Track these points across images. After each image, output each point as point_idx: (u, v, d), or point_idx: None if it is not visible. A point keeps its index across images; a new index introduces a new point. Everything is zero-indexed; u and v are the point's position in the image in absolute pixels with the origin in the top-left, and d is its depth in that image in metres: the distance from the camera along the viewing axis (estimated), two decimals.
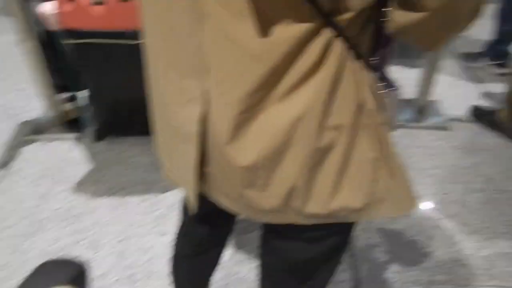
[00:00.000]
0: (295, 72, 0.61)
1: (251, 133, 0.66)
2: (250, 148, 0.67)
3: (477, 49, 3.01)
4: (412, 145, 2.32)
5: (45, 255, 1.71)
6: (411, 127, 2.43)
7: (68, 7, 1.74)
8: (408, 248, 1.78)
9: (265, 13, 0.58)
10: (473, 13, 0.61)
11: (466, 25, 0.63)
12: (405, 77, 2.85)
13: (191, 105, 0.69)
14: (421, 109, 2.47)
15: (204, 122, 0.69)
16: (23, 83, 2.76)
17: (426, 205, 1.97)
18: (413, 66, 2.73)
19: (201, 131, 0.70)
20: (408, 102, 2.50)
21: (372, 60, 0.69)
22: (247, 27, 0.59)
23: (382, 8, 0.62)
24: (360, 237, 1.81)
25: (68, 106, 2.38)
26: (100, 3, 1.74)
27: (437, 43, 0.67)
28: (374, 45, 0.68)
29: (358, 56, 0.64)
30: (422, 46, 0.68)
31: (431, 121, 2.46)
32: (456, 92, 2.73)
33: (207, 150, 0.72)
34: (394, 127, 0.79)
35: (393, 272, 1.69)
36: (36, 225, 1.84)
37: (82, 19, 1.78)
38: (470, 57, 3.02)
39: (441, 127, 2.44)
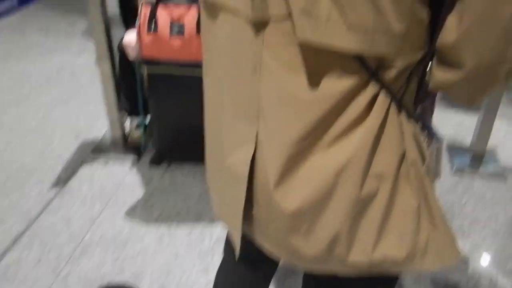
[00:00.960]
0: (342, 122, 0.65)
1: (298, 179, 0.68)
2: (296, 193, 0.69)
3: None
4: (467, 193, 2.22)
5: (86, 282, 1.70)
6: (467, 175, 2.33)
7: (148, 38, 1.86)
8: None
9: (315, 68, 0.63)
10: (510, 74, 0.63)
11: (505, 83, 0.66)
12: (461, 123, 2.76)
13: (243, 147, 0.73)
14: (477, 157, 2.38)
15: (253, 165, 0.72)
16: (91, 103, 2.83)
17: (482, 258, 1.86)
18: (470, 111, 2.68)
19: (250, 174, 0.73)
20: (463, 149, 2.43)
21: (415, 112, 0.73)
22: (297, 79, 0.64)
23: (425, 65, 0.67)
24: None
25: (133, 130, 2.43)
26: (180, 34, 1.84)
27: (475, 99, 0.70)
28: (417, 98, 0.72)
29: (402, 108, 0.67)
30: (461, 101, 0.71)
31: (488, 169, 2.36)
32: None
33: (254, 193, 0.75)
34: (438, 176, 0.81)
35: None
36: (81, 249, 1.84)
37: (160, 49, 1.89)
38: None
39: (498, 176, 2.33)
